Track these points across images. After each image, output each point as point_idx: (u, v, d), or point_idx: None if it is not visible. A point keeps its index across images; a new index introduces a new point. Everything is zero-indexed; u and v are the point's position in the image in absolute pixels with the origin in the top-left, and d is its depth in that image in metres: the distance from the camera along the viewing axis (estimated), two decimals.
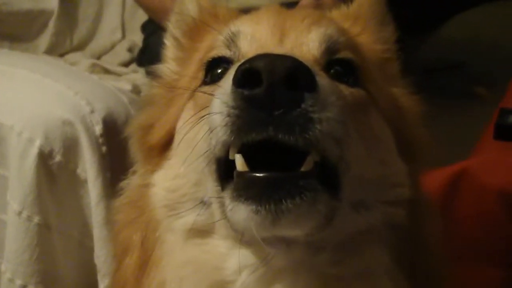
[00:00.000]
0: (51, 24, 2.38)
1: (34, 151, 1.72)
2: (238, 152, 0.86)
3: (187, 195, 1.01)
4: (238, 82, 0.83)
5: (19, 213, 1.72)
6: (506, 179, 1.61)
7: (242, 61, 0.86)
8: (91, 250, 1.78)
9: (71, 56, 2.36)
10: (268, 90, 0.81)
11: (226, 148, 0.87)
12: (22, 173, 1.72)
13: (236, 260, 0.94)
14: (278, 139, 0.82)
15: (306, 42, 1.03)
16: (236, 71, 0.83)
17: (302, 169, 0.85)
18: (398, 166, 1.06)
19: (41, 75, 1.85)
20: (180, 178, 1.02)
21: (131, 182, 1.16)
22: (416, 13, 2.66)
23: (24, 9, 2.34)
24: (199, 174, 0.97)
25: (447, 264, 1.11)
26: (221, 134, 0.85)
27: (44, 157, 1.73)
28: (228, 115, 0.84)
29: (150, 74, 1.26)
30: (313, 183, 0.84)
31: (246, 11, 1.98)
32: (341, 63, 1.04)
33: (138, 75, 2.25)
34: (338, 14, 1.24)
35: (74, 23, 2.44)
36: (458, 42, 3.14)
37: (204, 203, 0.98)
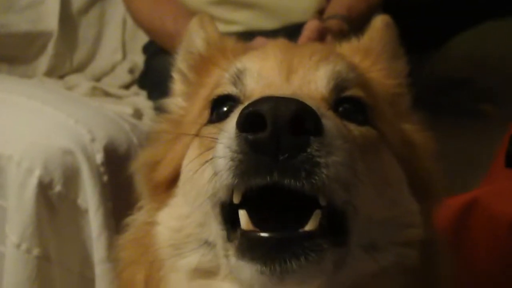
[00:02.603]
0: (51, 46, 2.33)
1: (33, 182, 1.67)
2: (242, 195, 0.84)
3: (192, 235, 0.99)
4: (242, 126, 0.81)
5: (18, 245, 1.67)
6: None
7: (246, 104, 0.84)
8: (92, 283, 1.73)
9: (71, 78, 2.32)
10: (273, 135, 0.78)
11: (230, 192, 0.85)
12: (21, 204, 1.68)
13: None
14: (283, 184, 0.80)
15: (314, 80, 1.00)
16: (240, 115, 0.81)
17: (308, 227, 0.82)
18: (410, 205, 1.03)
19: (40, 102, 1.80)
20: (185, 218, 1.00)
21: (137, 219, 1.15)
22: (421, 30, 2.64)
23: (23, 31, 2.30)
24: (204, 215, 0.95)
25: None
26: (225, 178, 0.83)
27: (44, 188, 1.68)
28: (232, 160, 0.82)
29: (158, 109, 1.23)
30: (319, 242, 0.82)
31: (251, 34, 1.96)
32: (350, 101, 1.01)
33: (139, 98, 2.22)
34: (347, 47, 1.21)
35: (74, 45, 2.40)
36: (464, 59, 3.12)
37: (208, 244, 0.97)
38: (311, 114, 0.80)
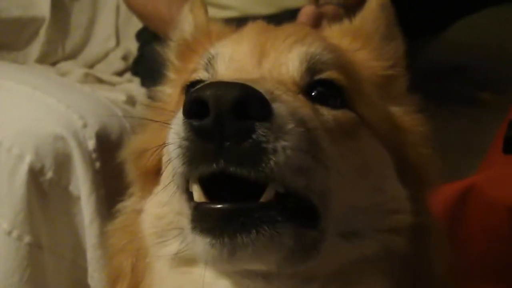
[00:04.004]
0: (42, 32, 2.31)
1: (24, 168, 1.65)
2: (198, 181, 0.82)
3: (173, 223, 0.98)
4: (187, 112, 0.80)
5: (9, 232, 1.65)
6: None
7: (192, 90, 0.83)
8: (84, 270, 1.72)
9: (63, 65, 2.29)
10: (216, 121, 0.77)
11: (185, 179, 0.84)
12: (11, 190, 1.66)
13: None
14: (229, 172, 0.78)
15: (285, 63, 0.98)
16: (185, 101, 0.80)
17: (263, 199, 0.80)
18: (396, 191, 1.00)
19: (30, 87, 1.78)
20: (166, 205, 1.00)
21: (127, 205, 1.15)
22: (419, 15, 2.61)
23: (14, 16, 2.27)
24: (180, 203, 0.93)
25: None
26: (176, 165, 0.82)
27: (35, 174, 1.66)
28: (180, 147, 0.81)
29: (150, 97, 1.23)
30: (272, 214, 0.80)
31: (246, 19, 1.94)
32: (324, 84, 0.98)
33: (132, 85, 2.20)
34: (337, 30, 1.19)
35: (66, 31, 2.37)
36: (462, 45, 3.10)
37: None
38: (256, 98, 0.79)
